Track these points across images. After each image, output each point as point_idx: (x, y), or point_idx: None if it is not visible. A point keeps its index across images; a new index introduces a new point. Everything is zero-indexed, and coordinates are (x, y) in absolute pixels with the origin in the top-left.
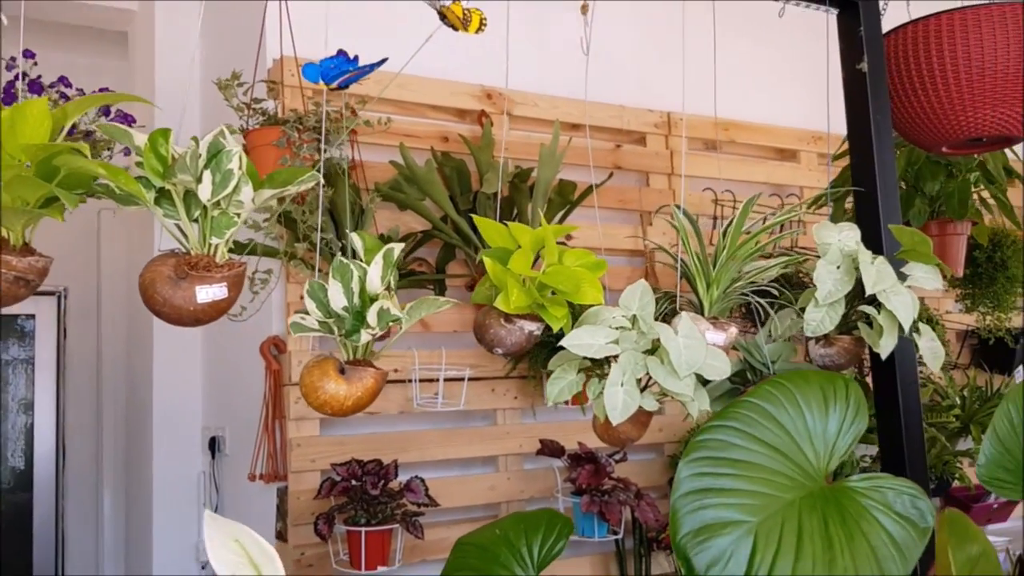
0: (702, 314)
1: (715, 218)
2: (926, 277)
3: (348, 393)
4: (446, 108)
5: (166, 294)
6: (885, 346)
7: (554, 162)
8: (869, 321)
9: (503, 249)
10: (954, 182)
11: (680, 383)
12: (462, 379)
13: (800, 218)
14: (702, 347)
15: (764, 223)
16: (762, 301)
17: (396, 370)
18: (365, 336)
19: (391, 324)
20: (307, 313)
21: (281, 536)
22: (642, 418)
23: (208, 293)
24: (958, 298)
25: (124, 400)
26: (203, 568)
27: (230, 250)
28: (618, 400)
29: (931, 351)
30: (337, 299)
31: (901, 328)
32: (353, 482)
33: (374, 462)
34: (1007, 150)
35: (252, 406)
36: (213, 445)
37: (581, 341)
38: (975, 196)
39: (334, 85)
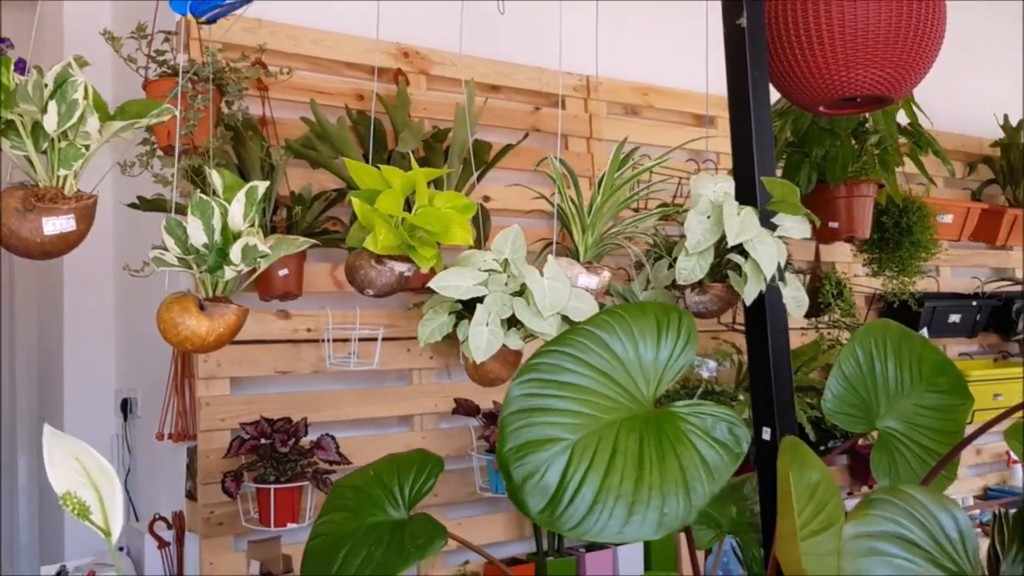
0: (578, 260)
1: (639, 183)
2: (795, 227)
3: (210, 329)
4: (362, 66)
5: (13, 226)
6: (750, 293)
7: (469, 122)
8: (739, 269)
9: (373, 190)
10: (836, 147)
11: (544, 323)
12: (376, 339)
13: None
14: (566, 289)
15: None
16: (637, 249)
17: (309, 329)
18: (229, 272)
19: (258, 260)
20: (166, 249)
21: (191, 495)
22: (510, 357)
23: (55, 225)
24: (866, 262)
25: (36, 364)
26: None
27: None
28: (482, 340)
29: (795, 300)
30: (197, 236)
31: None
32: (262, 440)
33: (283, 420)
34: (918, 113)
35: (164, 366)
36: (125, 407)
37: (449, 283)
38: (877, 160)
39: (203, 19)
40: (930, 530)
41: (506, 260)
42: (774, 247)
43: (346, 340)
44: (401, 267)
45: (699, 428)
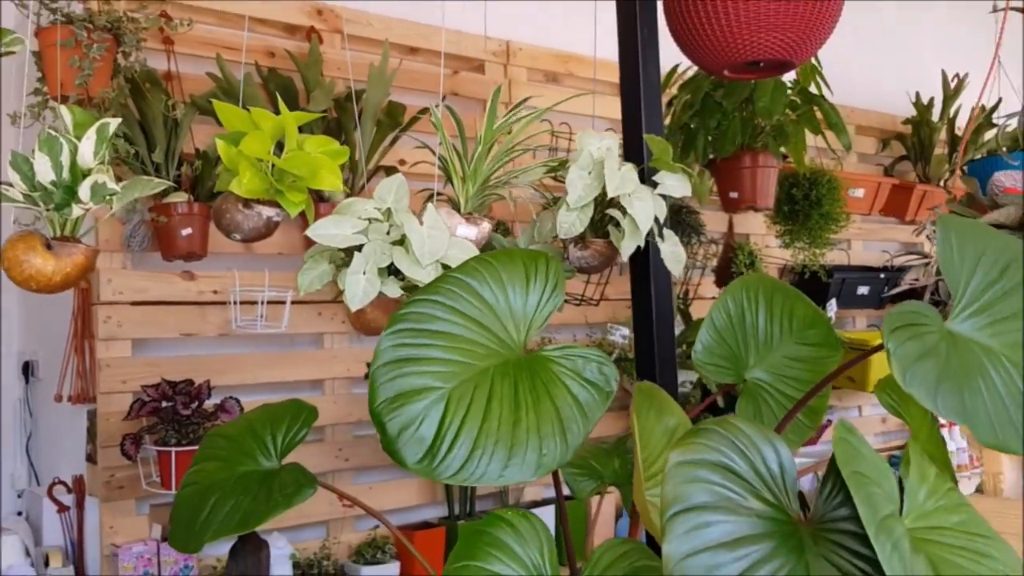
0: (458, 210)
1: (551, 149)
2: (675, 185)
3: (56, 268)
4: (273, 22)
5: None
6: (627, 248)
7: (383, 83)
8: (619, 225)
9: (240, 133)
10: (726, 119)
11: (423, 272)
12: (284, 302)
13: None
14: (445, 238)
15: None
16: (525, 200)
17: (215, 291)
18: (77, 210)
19: (109, 199)
20: (11, 185)
21: (92, 459)
22: (390, 307)
23: None
24: (778, 234)
25: None
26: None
27: None
28: (358, 288)
29: (673, 255)
30: (44, 172)
31: (651, 233)
32: (163, 403)
33: (185, 382)
34: (824, 90)
35: (65, 328)
36: (27, 370)
37: (327, 231)
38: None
39: None
40: (752, 462)
41: (388, 210)
42: (651, 202)
43: (254, 303)
44: (269, 212)
45: (570, 370)
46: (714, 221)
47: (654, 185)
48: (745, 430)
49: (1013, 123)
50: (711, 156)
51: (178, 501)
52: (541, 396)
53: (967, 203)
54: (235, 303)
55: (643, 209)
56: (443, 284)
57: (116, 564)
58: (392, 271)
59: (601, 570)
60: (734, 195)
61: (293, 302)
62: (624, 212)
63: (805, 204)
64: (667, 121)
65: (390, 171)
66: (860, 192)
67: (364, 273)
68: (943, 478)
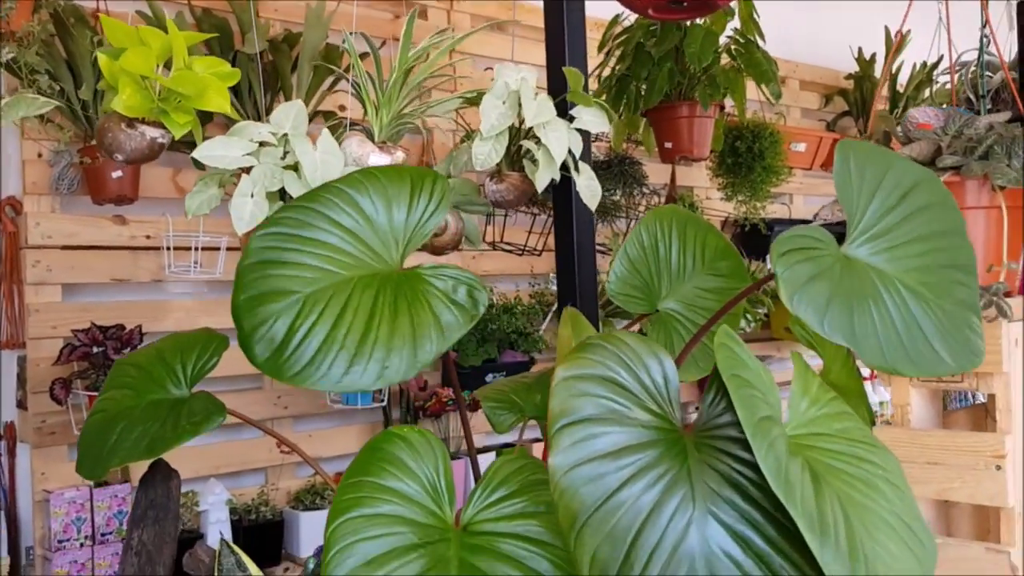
0: (372, 139)
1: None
2: (592, 120)
3: None
4: None
5: None
6: (541, 180)
7: (321, 26)
8: (535, 160)
9: (123, 48)
10: (655, 70)
11: None
12: (219, 247)
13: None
14: (339, 163)
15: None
16: (443, 128)
17: (148, 236)
18: None
19: None
20: None
21: (22, 405)
22: None
23: None
24: (720, 187)
25: None
26: None
27: None
28: (245, 211)
29: (588, 189)
30: None
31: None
32: (94, 348)
33: (116, 327)
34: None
35: None
36: None
37: (215, 152)
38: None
39: None
40: (638, 375)
41: (285, 136)
42: (565, 134)
43: (188, 248)
44: (153, 132)
45: (439, 290)
46: (658, 173)
47: (571, 119)
48: (631, 344)
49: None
50: (643, 106)
51: (86, 429)
52: (400, 312)
53: (883, 141)
54: (168, 248)
55: (558, 140)
56: (324, 193)
57: (48, 510)
58: (283, 196)
59: (496, 484)
60: (669, 145)
61: (228, 248)
62: (539, 144)
63: (748, 157)
64: (605, 73)
65: (328, 116)
66: (802, 147)
67: (252, 196)
68: (826, 389)
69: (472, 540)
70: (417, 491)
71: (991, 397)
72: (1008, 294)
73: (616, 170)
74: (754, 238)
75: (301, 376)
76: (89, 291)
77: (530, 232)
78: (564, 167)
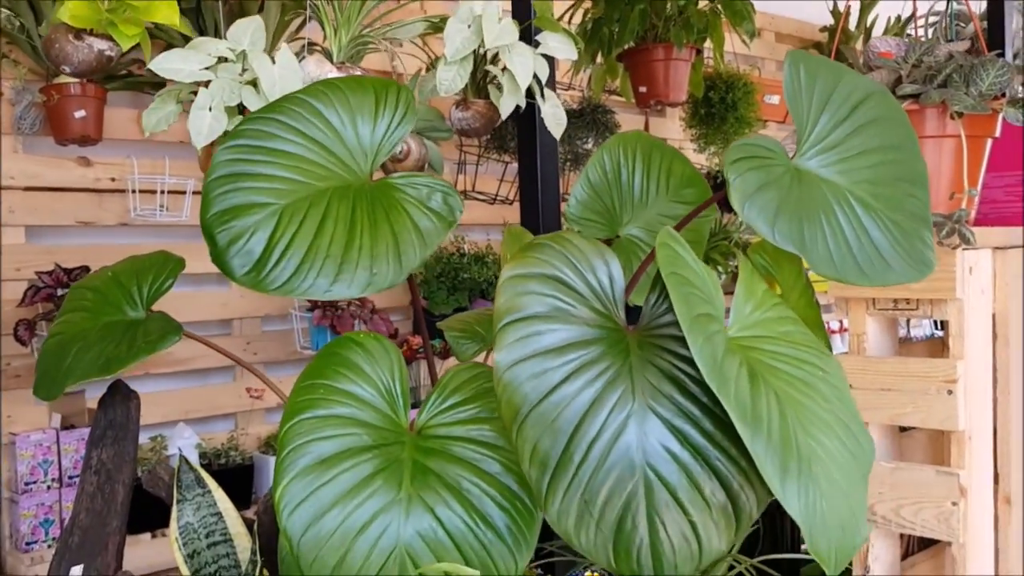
0: (331, 60)
1: None
2: (558, 46)
3: None
4: None
5: None
6: (506, 106)
7: None
8: (501, 86)
9: None
10: (627, 10)
11: None
12: (185, 191)
13: None
14: (297, 80)
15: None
16: (408, 53)
17: (113, 179)
18: None
19: None
20: None
21: None
22: None
23: None
24: (693, 138)
25: None
26: None
27: None
28: (203, 124)
29: (553, 116)
30: None
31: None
32: (59, 290)
33: (81, 268)
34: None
35: None
36: None
37: (172, 65)
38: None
39: None
40: (584, 274)
41: (243, 52)
42: (530, 59)
43: (153, 192)
44: (101, 45)
45: (414, 198)
46: (631, 123)
47: (536, 44)
48: (578, 244)
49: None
50: (615, 48)
51: (43, 352)
52: (379, 220)
53: None
54: (134, 191)
55: (522, 65)
56: (287, 104)
57: (13, 452)
58: (242, 112)
59: (450, 391)
60: (643, 89)
61: (195, 192)
62: (505, 70)
63: (720, 107)
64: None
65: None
66: (776, 99)
67: (210, 109)
68: (771, 295)
69: (426, 443)
70: (372, 395)
71: (945, 324)
72: (969, 221)
73: (588, 119)
74: (722, 188)
75: (286, 287)
76: (53, 234)
77: (501, 181)
78: (530, 94)
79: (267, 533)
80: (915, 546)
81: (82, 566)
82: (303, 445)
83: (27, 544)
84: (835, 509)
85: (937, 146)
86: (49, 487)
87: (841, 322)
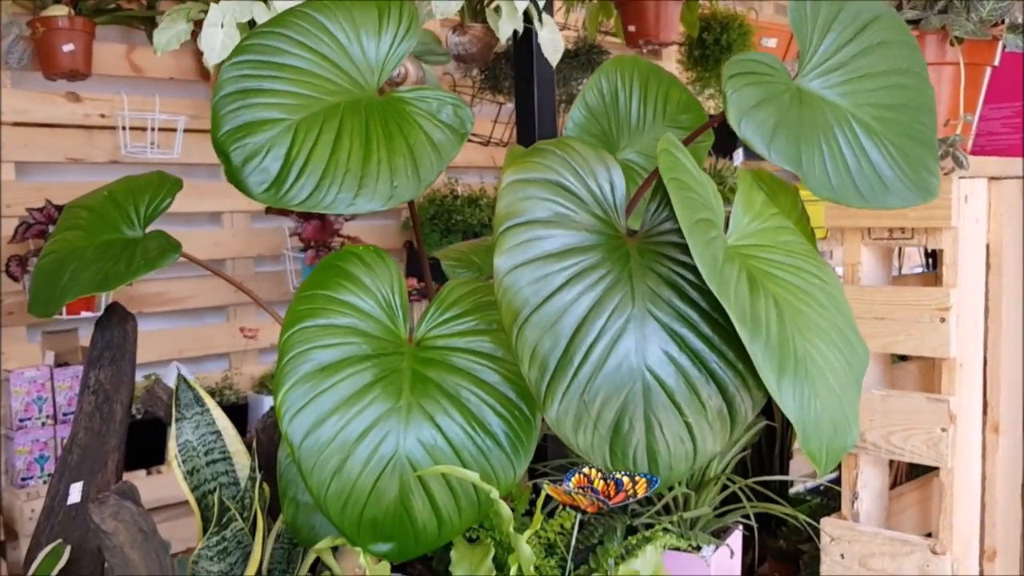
0: None
1: None
2: None
3: None
4: None
5: None
6: (504, 30)
7: None
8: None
9: None
10: None
11: None
12: (176, 128)
13: None
14: None
15: None
16: None
17: (103, 115)
18: None
19: None
20: None
21: None
22: None
23: None
24: (688, 81)
25: None
26: None
27: None
28: (216, 41)
29: (551, 42)
30: None
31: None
32: (50, 226)
33: None
34: None
35: None
36: None
37: None
38: None
39: None
40: (585, 180)
41: None
42: None
43: (144, 128)
44: None
45: (425, 111)
46: None
47: None
48: (579, 150)
49: None
50: None
51: (37, 270)
52: (394, 133)
53: None
54: (124, 128)
55: None
56: (291, 18)
57: (7, 389)
58: (252, 27)
59: (448, 304)
60: (632, 28)
61: (186, 129)
62: None
63: (715, 49)
64: None
65: None
66: (772, 42)
67: (222, 26)
68: (770, 205)
69: (425, 354)
70: (372, 306)
71: (937, 256)
72: (963, 146)
73: (583, 59)
74: (721, 133)
75: (308, 203)
76: (44, 171)
77: (495, 122)
78: (527, 19)
79: (265, 452)
80: (903, 478)
81: (82, 483)
82: (304, 352)
83: (23, 480)
84: (828, 409)
85: (936, 73)
86: (44, 424)
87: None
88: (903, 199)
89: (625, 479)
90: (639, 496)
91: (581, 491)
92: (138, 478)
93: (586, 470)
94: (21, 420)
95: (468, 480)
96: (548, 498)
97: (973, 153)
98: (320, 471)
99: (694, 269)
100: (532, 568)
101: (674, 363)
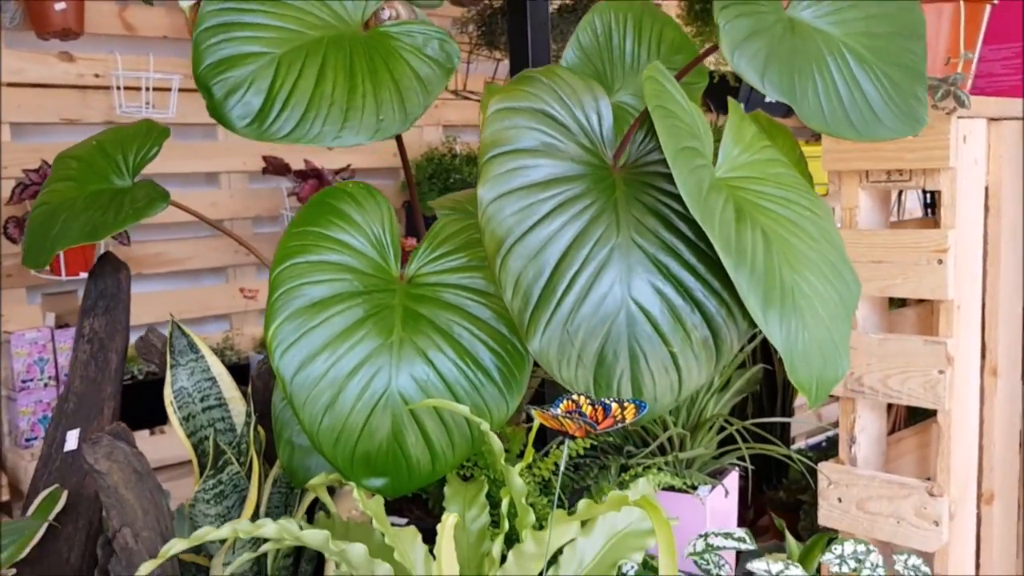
0: None
1: None
2: None
3: None
4: None
5: None
6: None
7: None
8: None
9: None
10: None
11: None
12: (171, 88)
13: None
14: None
15: None
16: None
17: (97, 75)
18: None
19: None
20: None
21: None
22: None
23: None
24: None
25: None
26: None
27: None
28: None
29: None
30: None
31: None
32: None
33: None
34: None
35: None
36: None
37: None
38: None
39: None
40: (572, 110)
41: None
42: None
43: (138, 88)
44: None
45: (411, 45)
46: None
47: None
48: (567, 79)
49: None
50: None
51: (30, 222)
52: (379, 68)
53: None
54: (118, 88)
55: None
56: None
57: (8, 351)
58: None
59: (440, 241)
60: None
61: (181, 89)
62: None
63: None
64: None
65: None
66: None
67: None
68: (761, 137)
69: (417, 291)
70: (363, 243)
71: (935, 199)
72: (963, 84)
73: (581, 13)
74: (722, 89)
75: (293, 136)
76: (38, 132)
77: (492, 79)
78: None
79: (261, 398)
80: (902, 425)
81: (79, 430)
82: (295, 288)
83: (26, 440)
84: (817, 340)
85: (936, 12)
86: (46, 384)
87: (834, 209)
88: (894, 130)
89: (613, 405)
90: (628, 422)
91: (569, 416)
92: (141, 438)
93: (575, 396)
94: (23, 381)
95: (460, 414)
96: (544, 439)
97: (972, 95)
98: (312, 406)
99: (680, 199)
100: (524, 500)
101: (659, 293)
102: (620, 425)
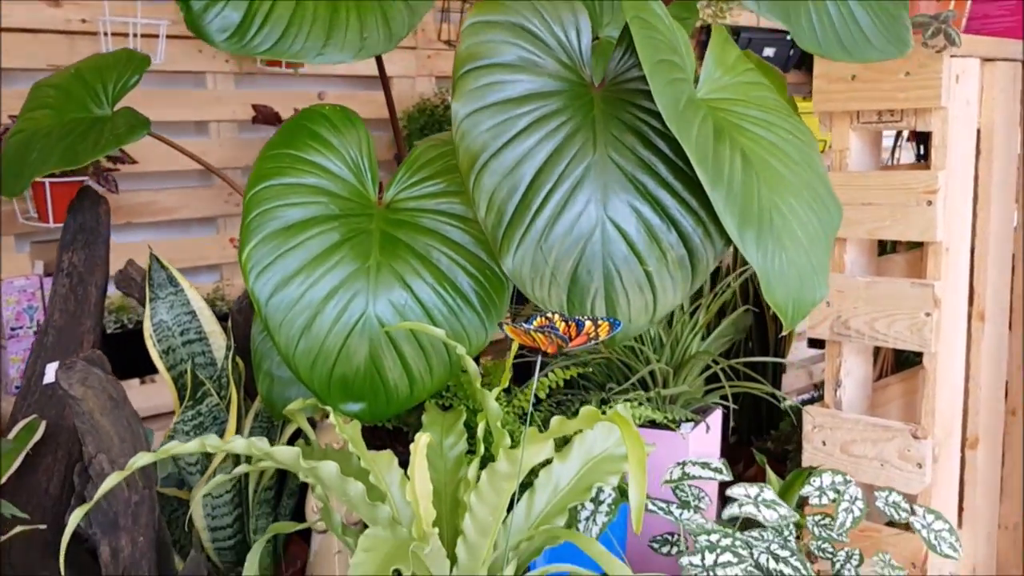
0: None
1: None
2: None
3: None
4: None
5: None
6: None
7: None
8: None
9: None
10: None
11: None
12: (158, 35)
13: None
14: None
15: None
16: None
17: (84, 20)
18: None
19: None
20: None
21: None
22: None
23: None
24: None
25: None
26: None
27: None
28: None
29: None
30: None
31: None
32: None
33: None
34: None
35: None
36: None
37: None
38: None
39: None
40: (551, 25)
41: None
42: None
43: (125, 35)
44: None
45: None
46: None
47: None
48: None
49: None
50: None
51: (6, 149)
52: None
53: None
54: (105, 34)
55: None
56: None
57: None
58: None
59: (418, 167)
60: None
61: (169, 36)
62: None
63: None
64: None
65: None
66: None
67: None
68: (744, 61)
69: (395, 216)
70: (340, 167)
71: (928, 137)
72: (956, 23)
73: None
74: None
75: (274, 51)
76: (25, 78)
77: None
78: None
79: (241, 333)
80: (889, 372)
81: (57, 363)
82: (270, 210)
83: (16, 388)
84: (794, 262)
85: None
86: (35, 332)
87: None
88: (882, 51)
89: (587, 322)
90: (601, 339)
91: (541, 331)
92: (131, 387)
93: (549, 314)
94: (13, 329)
95: (438, 338)
96: (526, 376)
97: (965, 35)
98: (288, 329)
99: (659, 116)
100: (499, 424)
101: (636, 212)
102: (594, 342)
